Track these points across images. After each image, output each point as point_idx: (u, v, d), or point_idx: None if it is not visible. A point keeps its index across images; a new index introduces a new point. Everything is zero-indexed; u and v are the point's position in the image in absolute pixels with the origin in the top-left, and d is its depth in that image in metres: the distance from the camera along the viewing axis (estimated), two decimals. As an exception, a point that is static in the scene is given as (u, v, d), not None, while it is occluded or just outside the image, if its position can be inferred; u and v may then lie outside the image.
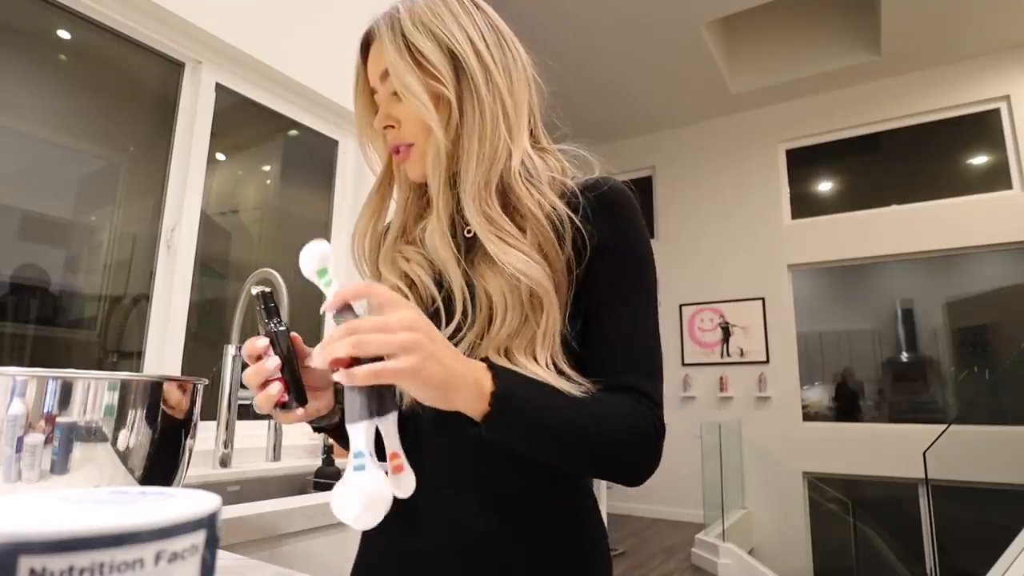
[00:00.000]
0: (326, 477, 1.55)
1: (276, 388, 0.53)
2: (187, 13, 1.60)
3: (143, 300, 1.63)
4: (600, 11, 4.54)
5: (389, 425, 0.47)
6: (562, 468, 0.59)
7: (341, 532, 1.07)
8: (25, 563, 0.18)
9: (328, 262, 0.49)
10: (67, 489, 0.33)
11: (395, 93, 0.64)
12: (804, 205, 5.79)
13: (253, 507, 0.97)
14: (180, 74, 1.72)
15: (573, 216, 0.60)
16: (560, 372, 0.58)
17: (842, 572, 5.00)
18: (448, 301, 0.63)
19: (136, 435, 0.55)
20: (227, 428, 1.46)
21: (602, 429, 0.55)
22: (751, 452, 5.32)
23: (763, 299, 5.72)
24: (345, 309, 0.47)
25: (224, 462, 1.45)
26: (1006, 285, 5.07)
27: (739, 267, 5.89)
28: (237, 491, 1.42)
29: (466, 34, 0.64)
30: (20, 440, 0.49)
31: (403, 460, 0.48)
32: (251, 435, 1.63)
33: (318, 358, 0.44)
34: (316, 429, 0.63)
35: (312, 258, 0.49)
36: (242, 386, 1.30)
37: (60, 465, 0.50)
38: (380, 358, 0.44)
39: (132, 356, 1.63)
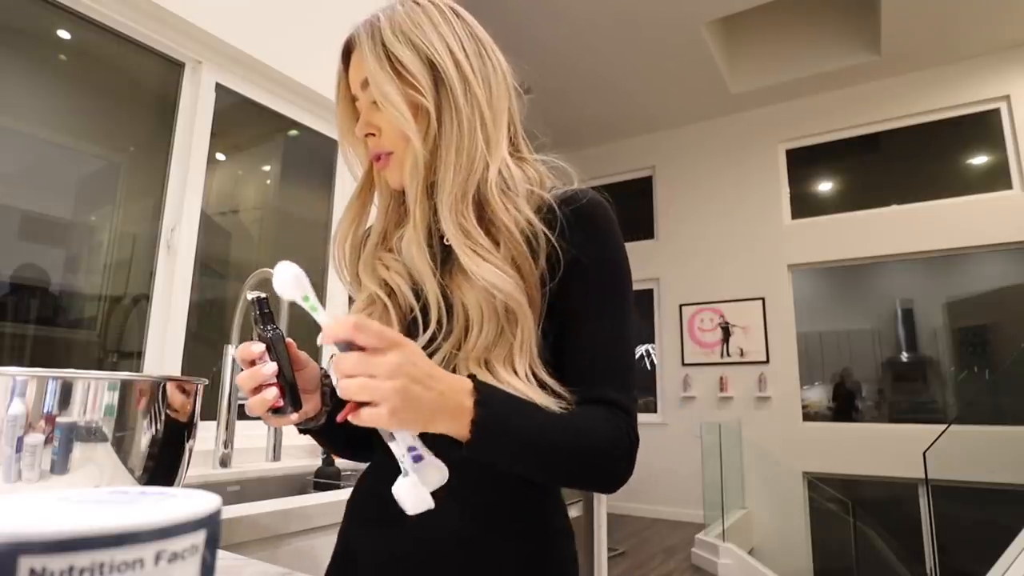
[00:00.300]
0: (326, 477, 1.55)
1: (272, 393, 0.54)
2: (187, 13, 1.60)
3: (143, 300, 1.63)
4: (600, 11, 4.54)
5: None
6: (539, 481, 0.62)
7: (341, 532, 1.07)
8: (25, 563, 0.18)
9: (307, 287, 0.50)
10: (67, 489, 0.33)
11: (376, 101, 0.64)
12: (804, 205, 5.79)
13: (253, 507, 0.97)
14: (180, 74, 1.72)
15: (548, 232, 0.61)
16: (540, 383, 0.59)
17: (842, 572, 5.00)
18: (426, 311, 0.64)
19: (136, 435, 0.55)
20: (227, 428, 1.46)
21: (580, 445, 0.56)
22: (751, 452, 5.32)
23: (763, 299, 5.72)
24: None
25: (224, 462, 1.45)
26: (1006, 285, 5.07)
27: (739, 267, 5.89)
28: (237, 491, 1.42)
29: (446, 44, 0.64)
30: (20, 440, 0.49)
31: (422, 451, 0.49)
32: (251, 435, 1.63)
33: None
34: (302, 431, 0.63)
35: (288, 284, 0.50)
36: (242, 386, 1.30)
37: (60, 465, 0.50)
38: None
39: (132, 356, 1.63)
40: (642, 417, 6.17)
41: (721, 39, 5.26)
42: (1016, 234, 4.80)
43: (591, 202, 0.63)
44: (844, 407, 5.81)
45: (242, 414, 1.53)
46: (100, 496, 0.23)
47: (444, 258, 0.65)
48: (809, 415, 5.59)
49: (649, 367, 6.45)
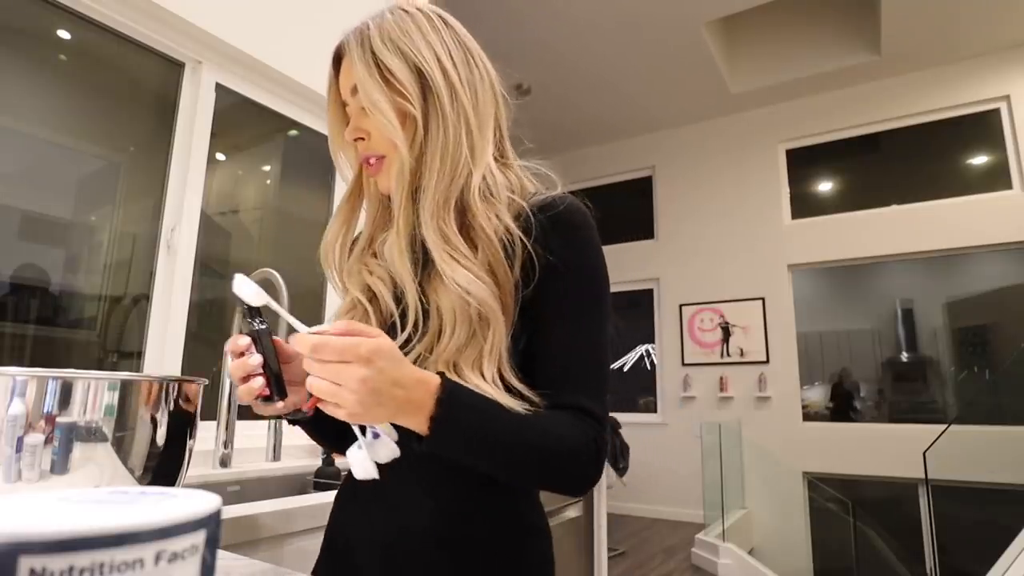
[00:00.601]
0: (326, 477, 1.55)
1: (259, 382, 0.57)
2: (187, 13, 1.60)
3: (143, 300, 1.63)
4: (600, 11, 4.54)
5: None
6: (504, 480, 0.62)
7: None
8: (25, 563, 0.18)
9: (265, 297, 0.55)
10: (67, 489, 0.33)
11: (365, 107, 0.66)
12: (804, 205, 5.79)
13: (253, 507, 0.97)
14: (180, 74, 1.72)
15: (525, 239, 0.62)
16: (508, 387, 0.59)
17: (842, 572, 5.00)
18: (405, 315, 0.65)
19: (136, 435, 0.55)
20: (227, 428, 1.46)
21: (543, 446, 0.57)
22: (751, 452, 5.32)
23: (763, 299, 5.72)
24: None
25: (224, 462, 1.45)
26: (1006, 285, 5.07)
27: (739, 267, 5.89)
28: (237, 491, 1.42)
29: (434, 52, 0.65)
30: (20, 440, 0.49)
31: (379, 429, 0.56)
32: (251, 435, 1.63)
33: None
34: (291, 422, 0.65)
35: (251, 297, 0.55)
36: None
37: (60, 465, 0.50)
38: None
39: (132, 356, 1.63)
40: (642, 417, 6.18)
41: (721, 39, 5.26)
42: (1016, 234, 4.80)
43: (568, 208, 0.64)
44: (842, 407, 5.81)
45: (242, 414, 1.53)
46: (100, 496, 0.23)
47: (425, 262, 0.66)
48: (809, 415, 5.59)
49: (649, 367, 6.45)
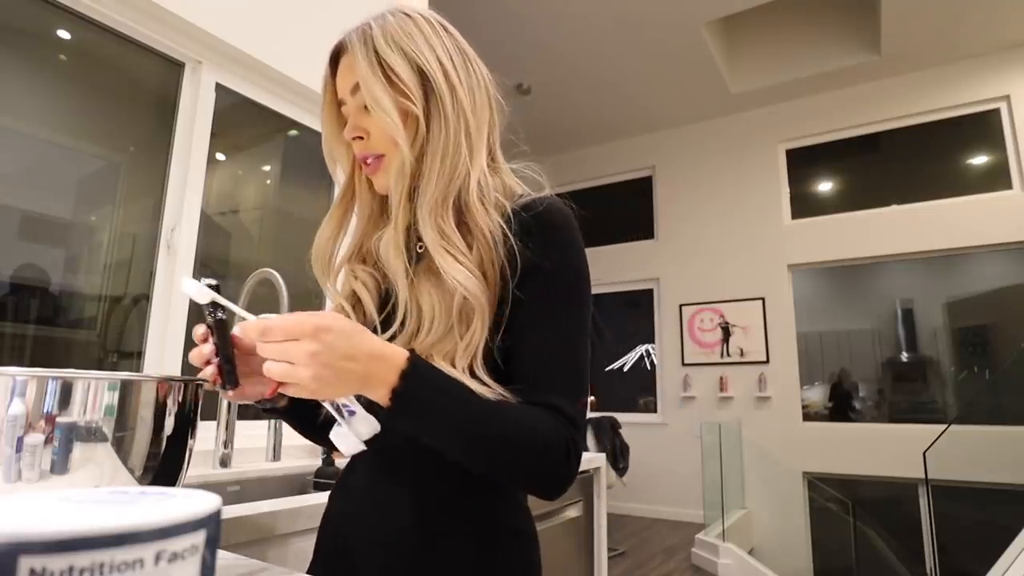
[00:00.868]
0: (326, 477, 1.55)
1: (209, 371, 0.59)
2: (187, 13, 1.60)
3: (143, 300, 1.63)
4: (600, 11, 4.54)
5: None
6: (470, 467, 0.60)
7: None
8: (25, 563, 0.18)
9: (210, 294, 0.57)
10: (67, 489, 0.33)
11: (366, 106, 0.66)
12: (804, 205, 5.79)
13: (253, 507, 0.97)
14: (180, 74, 1.72)
15: (511, 238, 0.63)
16: (478, 380, 0.60)
17: (842, 572, 5.00)
18: (389, 318, 0.67)
19: (136, 435, 0.55)
20: (227, 428, 1.46)
21: (510, 434, 0.57)
22: (751, 452, 5.32)
23: (763, 299, 5.72)
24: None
25: (224, 462, 1.45)
26: (1006, 285, 5.07)
27: (739, 267, 5.89)
28: (237, 491, 1.42)
29: (435, 54, 0.66)
30: (20, 440, 0.49)
31: (354, 407, 0.58)
32: (251, 435, 1.63)
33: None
34: (263, 410, 0.67)
35: (197, 295, 0.57)
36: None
37: (60, 465, 0.50)
38: None
39: (132, 356, 1.63)
40: (642, 417, 6.18)
41: (721, 39, 5.26)
42: (1016, 234, 4.80)
43: (549, 208, 0.65)
44: (841, 407, 5.81)
45: (242, 414, 1.53)
46: (100, 496, 0.23)
47: (411, 261, 0.67)
48: (809, 415, 5.59)
49: (649, 367, 6.45)
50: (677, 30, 4.78)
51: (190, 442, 0.61)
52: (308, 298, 2.05)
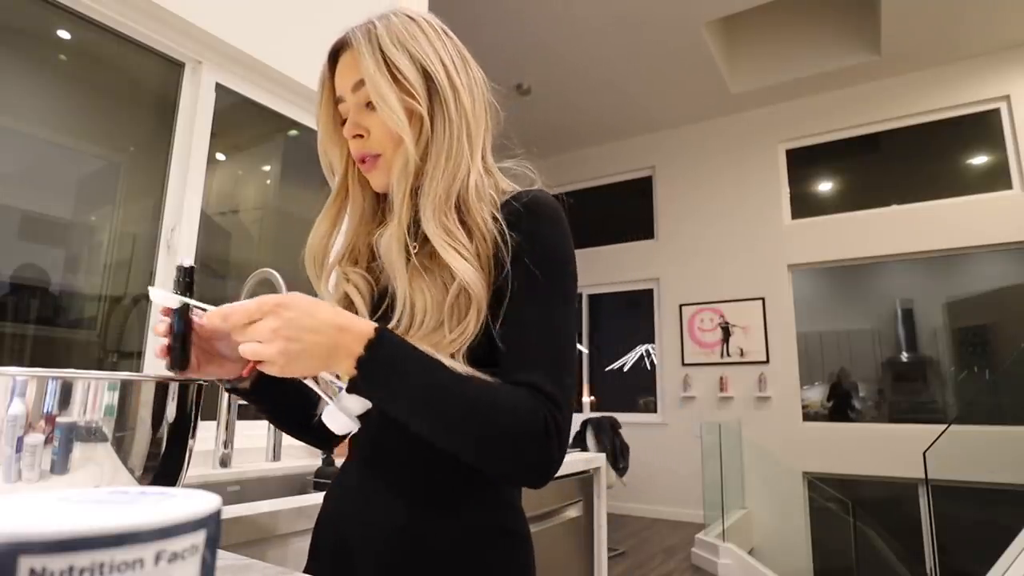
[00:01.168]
0: (326, 477, 1.55)
1: (158, 347, 0.60)
2: (187, 13, 1.60)
3: (143, 300, 1.63)
4: (600, 11, 4.54)
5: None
6: (441, 445, 0.58)
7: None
8: (25, 563, 0.18)
9: (177, 298, 0.59)
10: (67, 489, 0.33)
11: (368, 104, 0.67)
12: (804, 205, 5.79)
13: (253, 507, 0.97)
14: (180, 74, 1.72)
15: (504, 231, 0.64)
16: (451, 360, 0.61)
17: (842, 572, 5.00)
18: (386, 315, 0.68)
19: (136, 435, 0.55)
20: (227, 428, 1.46)
21: (484, 409, 0.56)
22: (751, 452, 5.32)
23: (763, 299, 5.71)
24: None
25: (224, 462, 1.45)
26: (1006, 285, 5.07)
27: (739, 267, 5.89)
28: (237, 491, 1.42)
29: (439, 56, 0.68)
30: (20, 440, 0.50)
31: (339, 384, 0.59)
32: (251, 435, 1.63)
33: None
34: (227, 390, 0.70)
35: (168, 302, 0.59)
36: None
37: (60, 465, 0.50)
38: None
39: (132, 356, 1.63)
40: (642, 417, 6.18)
41: (721, 39, 5.26)
42: (1016, 234, 4.80)
43: (535, 199, 0.66)
44: (840, 407, 5.81)
45: (242, 414, 1.53)
46: (100, 496, 0.23)
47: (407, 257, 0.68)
48: (809, 415, 5.59)
49: (649, 367, 6.45)
50: (677, 30, 4.78)
51: (190, 442, 0.61)
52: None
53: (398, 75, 0.65)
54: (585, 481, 1.90)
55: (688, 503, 5.54)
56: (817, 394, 5.90)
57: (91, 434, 0.52)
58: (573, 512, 1.79)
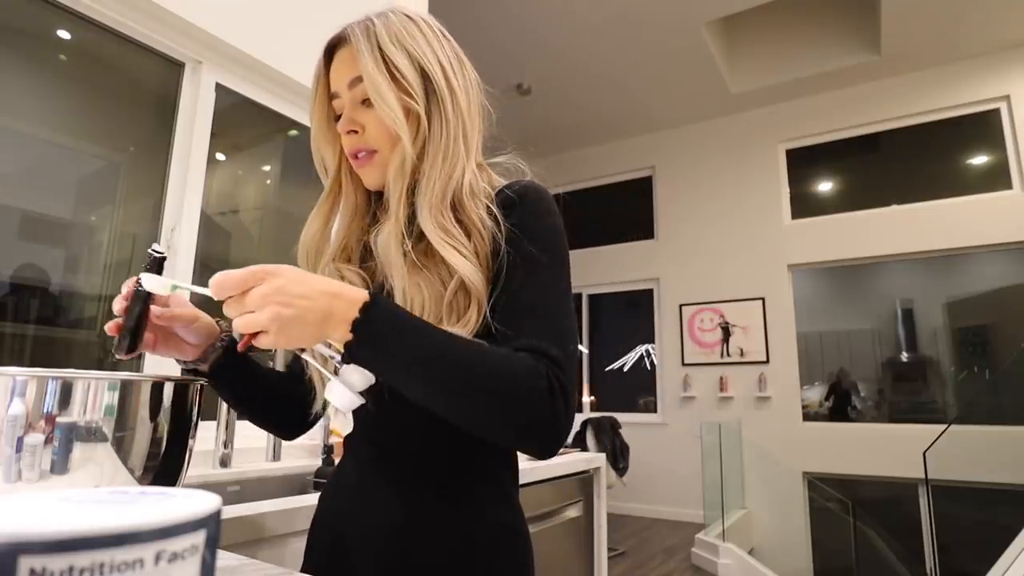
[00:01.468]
0: (326, 477, 1.55)
1: (110, 327, 0.62)
2: (187, 13, 1.60)
3: (143, 300, 1.63)
4: (600, 11, 4.54)
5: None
6: (442, 412, 0.57)
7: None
8: (25, 563, 0.18)
9: (169, 284, 0.59)
10: (67, 489, 0.33)
11: (364, 101, 0.67)
12: (804, 205, 5.79)
13: (253, 507, 0.97)
14: (180, 74, 1.72)
15: (501, 222, 0.65)
16: None
17: (842, 572, 5.00)
18: None
19: (136, 435, 0.55)
20: (227, 428, 1.46)
21: (484, 369, 0.55)
22: (751, 452, 5.32)
23: (763, 299, 5.71)
24: None
25: (224, 462, 1.45)
26: (1006, 285, 5.07)
27: (739, 267, 5.89)
28: (237, 491, 1.42)
29: (436, 57, 0.68)
30: (20, 440, 0.49)
31: (337, 358, 0.58)
32: (251, 435, 1.62)
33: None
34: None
35: (160, 288, 0.59)
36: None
37: (60, 465, 0.50)
38: None
39: (132, 356, 1.63)
40: (642, 417, 6.18)
41: (721, 39, 5.26)
42: (1016, 234, 4.80)
43: (524, 187, 0.68)
44: (840, 407, 5.81)
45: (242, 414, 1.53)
46: (100, 496, 0.23)
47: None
48: (809, 415, 5.59)
49: (649, 367, 6.45)
50: (677, 30, 4.78)
51: (190, 442, 0.61)
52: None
53: (396, 74, 0.66)
54: (585, 481, 1.90)
55: (688, 503, 5.54)
56: (817, 394, 5.90)
57: (91, 434, 0.52)
58: (573, 512, 1.79)
